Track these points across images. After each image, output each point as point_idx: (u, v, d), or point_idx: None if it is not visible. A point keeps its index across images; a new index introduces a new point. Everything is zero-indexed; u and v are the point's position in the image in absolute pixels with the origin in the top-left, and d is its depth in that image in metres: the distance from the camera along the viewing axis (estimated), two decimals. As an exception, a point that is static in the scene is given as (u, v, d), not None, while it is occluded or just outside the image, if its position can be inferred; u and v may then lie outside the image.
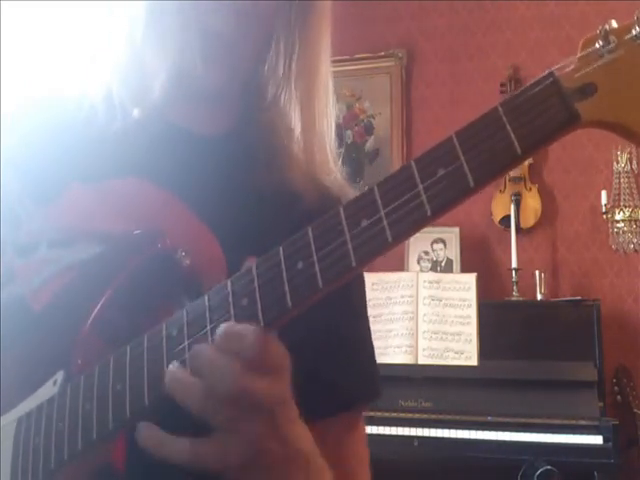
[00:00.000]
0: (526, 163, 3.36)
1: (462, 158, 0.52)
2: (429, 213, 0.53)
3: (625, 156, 3.29)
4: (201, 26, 0.77)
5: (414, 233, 0.55)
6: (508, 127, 0.52)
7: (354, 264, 0.55)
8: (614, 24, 0.53)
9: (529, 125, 0.52)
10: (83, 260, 0.73)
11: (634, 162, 3.30)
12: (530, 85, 0.53)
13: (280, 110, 0.85)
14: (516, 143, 0.52)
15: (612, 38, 0.53)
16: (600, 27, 0.53)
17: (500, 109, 0.53)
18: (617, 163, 3.30)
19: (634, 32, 0.52)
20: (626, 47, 0.52)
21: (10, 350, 0.73)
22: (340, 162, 0.87)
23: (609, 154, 3.30)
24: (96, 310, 0.69)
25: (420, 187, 0.53)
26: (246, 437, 0.58)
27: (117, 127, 0.78)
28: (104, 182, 0.77)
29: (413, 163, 0.54)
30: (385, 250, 0.55)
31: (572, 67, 0.53)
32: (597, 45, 0.53)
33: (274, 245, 0.59)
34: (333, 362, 0.79)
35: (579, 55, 0.53)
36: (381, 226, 0.54)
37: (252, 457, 0.59)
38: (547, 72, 0.53)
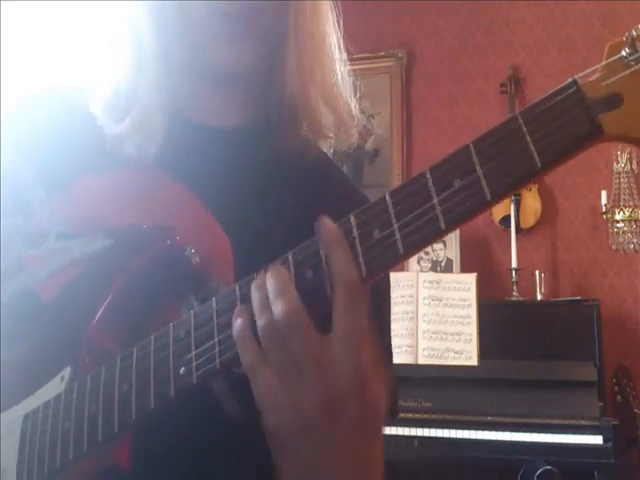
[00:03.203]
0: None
1: (479, 170, 0.50)
2: (443, 227, 0.52)
3: (625, 156, 3.29)
4: (222, 6, 0.74)
5: (426, 246, 0.55)
6: (528, 139, 0.49)
7: (364, 275, 0.54)
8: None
9: (550, 137, 0.49)
10: (91, 253, 0.73)
11: (634, 162, 3.30)
12: (552, 93, 0.50)
13: (284, 82, 0.82)
14: (536, 156, 0.49)
15: (639, 45, 0.49)
16: (627, 34, 0.49)
17: (520, 119, 0.50)
18: (617, 163, 3.30)
19: None
20: None
21: (19, 341, 0.73)
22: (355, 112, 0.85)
23: (609, 154, 3.30)
24: (103, 307, 0.68)
25: (435, 200, 0.52)
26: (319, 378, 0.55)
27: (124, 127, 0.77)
28: (116, 173, 0.76)
29: (429, 172, 0.53)
30: (396, 263, 0.54)
31: (597, 76, 0.50)
32: (623, 53, 0.49)
33: (285, 241, 0.59)
34: None
35: (604, 62, 0.50)
36: (393, 239, 0.53)
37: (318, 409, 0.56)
38: (570, 80, 0.50)
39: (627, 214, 3.27)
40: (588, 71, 0.50)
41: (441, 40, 3.62)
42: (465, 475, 2.72)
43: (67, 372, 0.68)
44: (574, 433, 2.61)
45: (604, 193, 3.24)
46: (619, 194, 3.30)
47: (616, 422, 2.62)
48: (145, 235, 0.71)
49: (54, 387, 0.68)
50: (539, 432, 2.62)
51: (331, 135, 0.83)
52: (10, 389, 0.71)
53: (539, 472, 2.48)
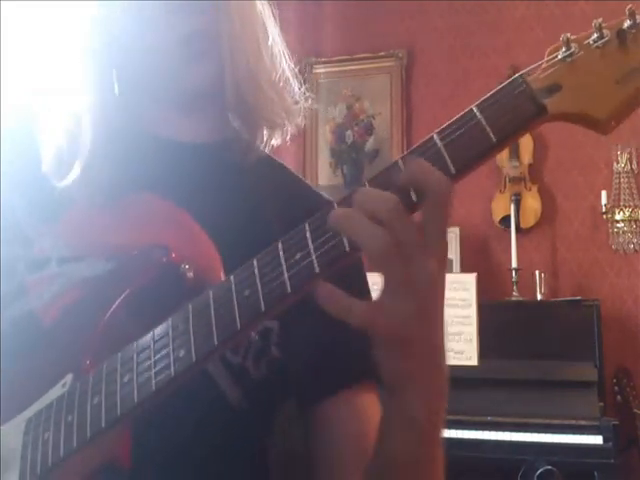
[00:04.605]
0: (526, 163, 3.37)
1: (444, 151, 0.60)
2: (414, 199, 0.59)
3: (625, 156, 3.29)
4: (174, 30, 0.78)
5: None
6: (483, 122, 0.59)
7: (347, 249, 0.59)
8: (573, 36, 0.61)
9: (502, 119, 0.59)
10: (92, 276, 0.76)
11: (634, 162, 3.30)
12: (502, 87, 0.60)
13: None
14: (491, 135, 0.58)
15: (573, 45, 0.60)
16: (562, 36, 0.61)
17: (475, 109, 0.59)
18: (617, 163, 3.31)
19: (592, 38, 0.60)
20: (585, 50, 0.60)
21: (20, 363, 0.75)
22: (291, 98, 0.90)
23: (609, 154, 3.30)
24: (106, 317, 0.71)
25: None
26: (413, 299, 0.57)
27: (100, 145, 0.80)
28: (110, 198, 0.79)
29: (400, 160, 0.60)
30: None
31: (539, 70, 0.60)
32: (560, 52, 0.61)
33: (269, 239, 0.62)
34: (336, 338, 0.78)
35: (545, 60, 0.61)
36: None
37: (416, 328, 0.58)
38: (517, 75, 0.60)
39: (627, 214, 3.27)
40: (531, 67, 0.61)
41: (441, 40, 3.62)
42: (465, 475, 2.72)
43: (69, 378, 0.70)
44: (574, 433, 2.61)
45: (604, 193, 3.24)
46: (619, 194, 3.30)
47: (616, 422, 2.63)
48: (141, 255, 0.75)
49: (56, 392, 0.70)
50: (539, 432, 2.62)
51: (280, 122, 0.89)
52: (13, 403, 0.73)
53: (539, 472, 2.48)
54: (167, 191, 0.79)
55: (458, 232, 3.32)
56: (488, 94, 0.60)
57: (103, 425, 0.65)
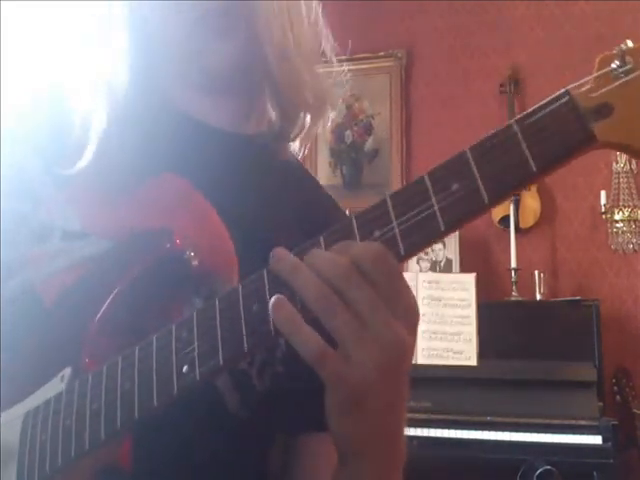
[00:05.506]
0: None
1: (477, 174, 0.52)
2: (442, 228, 0.53)
3: (625, 156, 3.28)
4: (197, 6, 0.75)
5: (427, 247, 0.54)
6: (523, 144, 0.51)
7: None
8: (630, 44, 0.52)
9: (545, 143, 0.51)
10: (94, 256, 0.73)
11: (633, 162, 3.30)
12: (545, 103, 0.52)
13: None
14: (531, 161, 0.51)
15: (629, 58, 0.51)
16: (617, 47, 0.51)
17: (515, 126, 0.52)
18: (616, 163, 3.30)
19: None
20: None
21: (18, 341, 0.73)
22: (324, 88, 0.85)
23: (609, 154, 3.30)
24: (104, 308, 0.69)
25: (433, 200, 0.53)
26: (377, 355, 0.53)
27: (129, 117, 0.77)
28: (128, 174, 0.75)
29: (427, 176, 0.54)
30: (399, 262, 0.55)
31: (588, 87, 0.52)
32: (613, 65, 0.51)
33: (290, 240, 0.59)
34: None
35: (595, 74, 0.52)
36: (393, 239, 0.54)
37: (374, 384, 0.54)
38: (563, 90, 0.52)
39: (626, 214, 3.27)
40: (579, 82, 0.52)
41: (441, 40, 3.62)
42: (465, 475, 2.72)
43: (67, 372, 0.68)
44: (574, 433, 2.61)
45: (603, 193, 3.24)
46: (618, 194, 3.30)
47: (615, 422, 2.62)
48: (145, 239, 0.71)
49: (54, 386, 0.69)
50: (539, 432, 2.62)
51: (316, 103, 0.84)
52: (10, 389, 0.71)
53: (539, 472, 2.48)
54: (186, 172, 0.76)
55: (457, 232, 3.32)
56: (530, 110, 0.52)
57: (102, 437, 0.63)
